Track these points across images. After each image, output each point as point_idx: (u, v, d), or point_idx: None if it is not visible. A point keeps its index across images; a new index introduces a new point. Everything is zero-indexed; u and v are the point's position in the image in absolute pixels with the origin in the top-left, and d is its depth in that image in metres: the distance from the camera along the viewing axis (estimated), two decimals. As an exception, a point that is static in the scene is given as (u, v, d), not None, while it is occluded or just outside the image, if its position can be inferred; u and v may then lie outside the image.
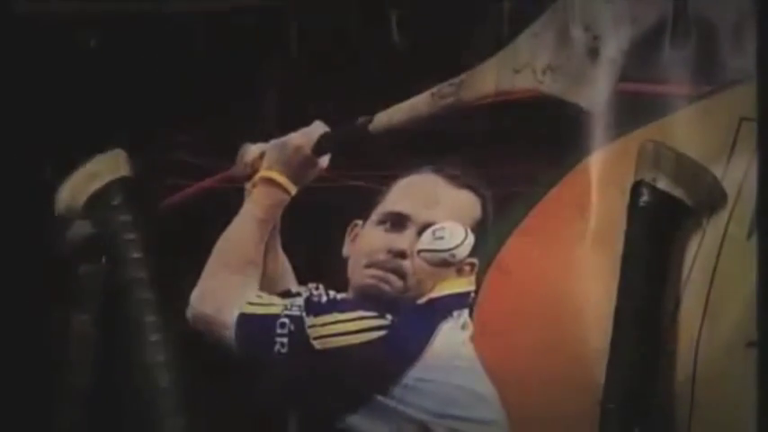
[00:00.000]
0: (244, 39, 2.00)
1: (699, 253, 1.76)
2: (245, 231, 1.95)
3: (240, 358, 1.93)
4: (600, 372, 1.73)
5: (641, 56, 1.83)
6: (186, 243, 1.98)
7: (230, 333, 1.88)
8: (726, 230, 1.75)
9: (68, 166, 2.01)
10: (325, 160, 1.95)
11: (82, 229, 2.00)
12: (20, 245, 2.05)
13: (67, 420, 1.93)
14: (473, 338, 1.84)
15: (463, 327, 1.84)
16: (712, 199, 1.77)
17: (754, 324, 1.81)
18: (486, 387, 1.82)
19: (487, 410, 1.82)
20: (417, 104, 1.91)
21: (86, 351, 1.94)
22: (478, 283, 1.87)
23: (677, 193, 1.74)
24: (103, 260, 1.97)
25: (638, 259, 1.78)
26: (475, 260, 1.85)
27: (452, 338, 1.85)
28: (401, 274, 1.86)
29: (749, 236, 1.76)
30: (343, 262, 1.92)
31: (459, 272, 1.86)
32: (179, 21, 2.02)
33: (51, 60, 2.07)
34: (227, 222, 1.97)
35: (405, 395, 1.84)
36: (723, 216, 1.76)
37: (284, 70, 1.99)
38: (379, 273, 1.87)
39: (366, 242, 1.89)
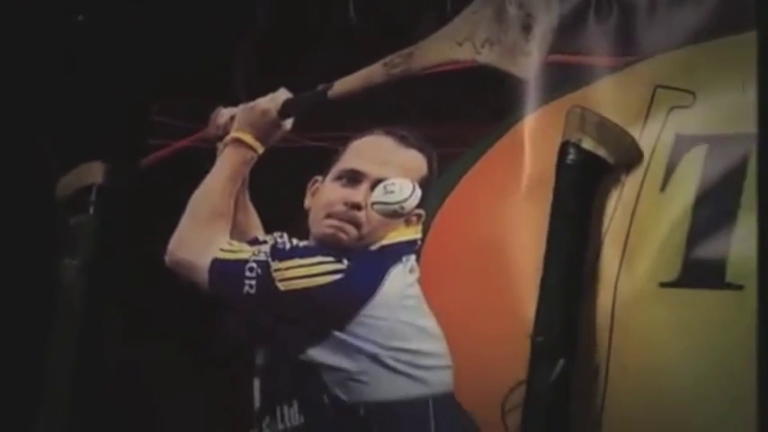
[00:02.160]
0: (218, 15, 2.02)
1: (618, 205, 1.80)
2: (217, 186, 1.96)
3: (212, 298, 1.94)
4: (531, 309, 1.76)
5: (568, 31, 1.87)
6: (165, 196, 1.99)
7: (204, 276, 1.89)
8: (642, 185, 1.78)
9: (70, 138, 2.05)
10: (288, 123, 1.97)
11: (71, 187, 2.04)
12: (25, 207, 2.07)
13: (61, 353, 1.96)
14: (419, 280, 1.86)
15: (411, 270, 1.86)
16: (630, 157, 1.80)
17: (666, 266, 1.80)
18: (429, 323, 1.85)
19: (430, 343, 1.85)
20: (371, 73, 1.92)
21: (75, 292, 1.96)
22: (425, 231, 1.88)
23: (600, 152, 1.77)
24: (90, 212, 2.01)
25: (564, 211, 1.80)
26: (421, 211, 1.87)
27: (401, 281, 1.87)
28: (356, 224, 1.87)
29: (662, 189, 1.79)
30: (305, 213, 1.92)
31: (408, 222, 1.89)
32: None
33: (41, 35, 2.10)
34: (202, 178, 1.97)
35: (358, 330, 1.86)
36: (639, 172, 1.79)
37: (254, 43, 2.01)
38: (337, 223, 1.88)
39: (325, 196, 1.90)
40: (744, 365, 1.76)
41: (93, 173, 2.03)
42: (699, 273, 1.77)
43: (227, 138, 1.97)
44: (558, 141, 1.80)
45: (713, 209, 1.77)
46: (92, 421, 1.98)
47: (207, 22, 2.06)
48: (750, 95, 1.81)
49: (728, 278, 1.75)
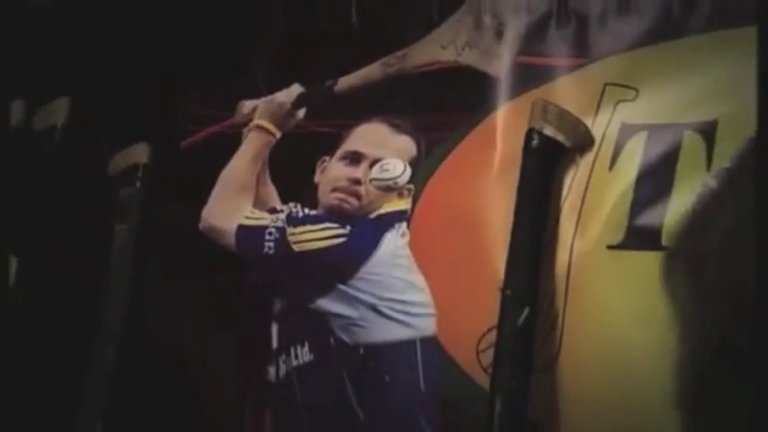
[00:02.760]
0: (242, 20, 2.02)
1: (573, 181, 1.79)
2: (242, 165, 1.98)
3: (238, 258, 1.96)
4: (501, 268, 1.75)
5: (534, 37, 1.85)
6: (198, 173, 1.98)
7: (231, 240, 1.92)
8: (593, 165, 1.78)
9: (121, 124, 2.03)
10: (301, 112, 1.98)
11: (121, 165, 2.02)
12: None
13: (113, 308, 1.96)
14: (409, 243, 1.89)
15: (402, 235, 1.89)
16: (584, 142, 1.80)
17: (613, 232, 1.79)
18: (417, 278, 1.87)
19: (418, 295, 1.87)
20: (370, 72, 1.94)
21: (125, 252, 1.96)
22: (414, 202, 1.90)
23: (559, 137, 1.77)
24: (137, 186, 2.00)
25: (529, 186, 1.79)
26: (411, 186, 1.89)
27: (394, 243, 1.91)
28: (357, 197, 1.90)
29: (610, 168, 1.78)
30: (315, 187, 1.95)
31: (400, 195, 1.91)
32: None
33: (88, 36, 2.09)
34: (229, 158, 1.98)
35: (359, 284, 1.89)
36: (591, 154, 1.78)
37: (272, 45, 2.01)
38: (341, 195, 1.91)
39: (331, 173, 1.93)
40: (673, 315, 1.74)
41: (140, 153, 2.04)
42: (639, 237, 1.75)
43: (251, 125, 1.99)
44: (524, 128, 1.79)
45: (651, 184, 1.75)
46: (137, 357, 1.98)
47: (234, 29, 2.05)
48: (683, 92, 1.78)
49: (663, 242, 1.72)
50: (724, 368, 1.76)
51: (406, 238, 1.90)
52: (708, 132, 1.74)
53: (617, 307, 1.77)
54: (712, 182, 1.77)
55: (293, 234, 1.92)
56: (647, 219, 1.74)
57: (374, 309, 1.88)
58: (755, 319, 1.55)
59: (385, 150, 1.92)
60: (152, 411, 1.97)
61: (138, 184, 1.99)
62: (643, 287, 1.75)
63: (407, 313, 1.87)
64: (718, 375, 0.55)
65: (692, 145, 1.76)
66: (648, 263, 1.75)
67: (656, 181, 1.76)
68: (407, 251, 1.90)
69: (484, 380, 1.77)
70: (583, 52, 1.83)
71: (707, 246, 0.52)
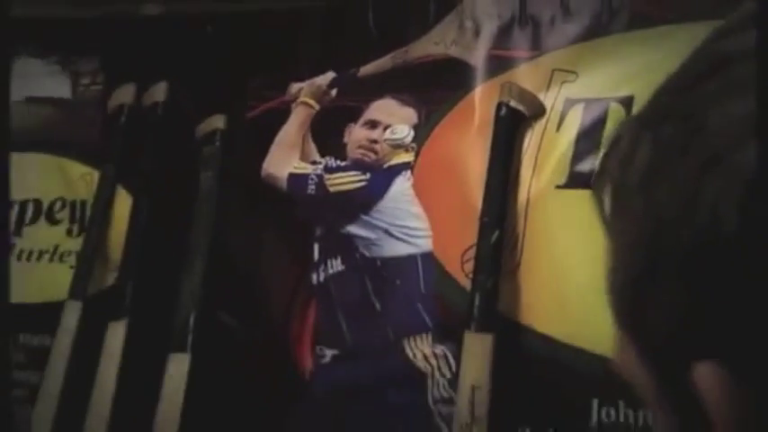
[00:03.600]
0: (291, 26, 2.04)
1: (531, 139, 1.83)
2: (292, 129, 2.00)
3: (288, 196, 2.00)
4: (479, 202, 1.80)
5: (502, 35, 1.87)
6: (260, 136, 2.02)
7: (284, 183, 1.96)
8: (545, 127, 1.81)
9: (208, 100, 2.06)
10: (334, 91, 2.00)
11: (206, 130, 2.03)
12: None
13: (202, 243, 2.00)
14: (412, 185, 1.92)
15: (407, 179, 1.92)
16: (539, 112, 1.82)
17: (559, 175, 1.83)
18: (418, 210, 1.91)
19: (418, 222, 1.90)
20: (384, 62, 1.97)
21: (210, 195, 1.98)
22: (416, 156, 1.93)
23: (520, 108, 1.80)
24: (217, 145, 2.01)
25: (499, 144, 1.81)
26: (414, 144, 1.92)
27: (401, 185, 1.94)
28: (375, 152, 1.95)
29: (557, 129, 1.82)
30: (344, 145, 1.99)
31: (406, 150, 1.94)
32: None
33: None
34: (282, 125, 2.01)
35: (376, 215, 1.94)
36: (544, 120, 1.81)
37: (314, 45, 2.05)
38: (363, 151, 1.96)
39: (356, 135, 1.97)
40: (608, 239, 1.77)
41: (218, 121, 2.05)
42: (578, 179, 1.77)
43: (298, 101, 2.01)
44: (495, 102, 1.82)
45: (586, 141, 1.78)
46: (219, 267, 2.01)
47: (285, 33, 2.08)
48: (609, 75, 1.81)
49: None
50: (648, 288, 1.77)
51: (411, 182, 1.93)
52: (626, 104, 1.77)
53: (561, 230, 1.80)
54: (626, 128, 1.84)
55: (329, 179, 1.97)
56: (584, 166, 1.78)
57: (387, 232, 1.91)
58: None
59: (394, 118, 1.95)
60: (232, 309, 2.00)
61: (217, 144, 2.01)
62: (581, 216, 1.71)
63: (411, 235, 1.91)
64: (642, 294, 0.54)
65: (616, 113, 1.78)
66: (585, 199, 1.79)
67: (589, 138, 1.79)
68: (411, 191, 1.93)
69: (466, 282, 1.80)
70: (537, 47, 1.87)
71: (629, 178, 0.51)
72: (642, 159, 0.46)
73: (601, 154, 1.69)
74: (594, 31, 1.83)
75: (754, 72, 0.40)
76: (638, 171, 0.46)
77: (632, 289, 0.46)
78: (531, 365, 1.75)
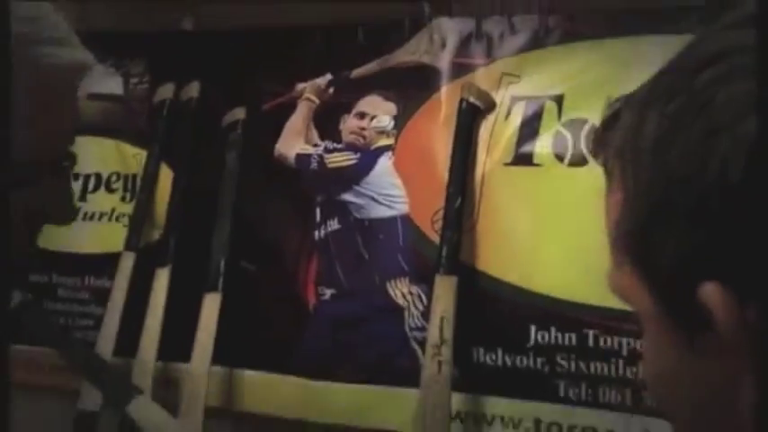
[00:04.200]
0: (298, 37, 2.04)
1: (485, 128, 1.83)
2: (299, 119, 1.99)
3: (296, 171, 2.00)
4: (446, 175, 1.81)
5: (463, 46, 1.88)
6: (272, 125, 2.03)
7: (293, 162, 1.97)
8: (496, 119, 1.83)
9: (232, 96, 2.06)
10: (331, 89, 1.99)
11: (229, 120, 2.05)
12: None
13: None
14: (393, 163, 1.92)
15: (389, 158, 1.92)
16: (491, 106, 1.84)
17: (507, 154, 1.84)
18: (398, 181, 1.90)
19: (398, 190, 1.90)
20: (371, 66, 1.96)
21: (233, 171, 1.99)
22: (396, 140, 1.93)
23: (477, 103, 1.81)
24: (239, 131, 2.02)
25: (461, 132, 1.82)
26: (395, 131, 1.92)
27: (385, 162, 1.92)
28: (363, 137, 1.95)
29: (505, 119, 1.83)
30: (339, 132, 1.98)
31: (388, 136, 1.92)
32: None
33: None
34: (290, 116, 2.01)
35: (365, 185, 1.92)
36: (495, 113, 1.83)
37: (317, 52, 2.02)
38: (354, 136, 1.95)
39: (348, 123, 1.96)
40: (543, 218, 1.79)
41: (239, 113, 2.02)
42: (521, 159, 1.81)
43: (303, 96, 2.00)
44: (457, 98, 1.84)
45: (528, 128, 1.80)
46: (240, 227, 2.00)
47: (293, 42, 2.06)
48: (545, 78, 1.82)
49: (535, 160, 1.80)
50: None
51: (392, 160, 1.92)
52: (558, 100, 1.78)
53: (508, 197, 1.82)
54: (566, 132, 1.80)
55: (327, 158, 1.97)
56: (525, 148, 1.80)
57: (374, 199, 1.92)
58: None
59: (379, 111, 1.94)
60: (252, 258, 2.01)
61: (239, 131, 1.99)
62: (523, 186, 1.81)
63: (392, 201, 1.91)
64: (652, 233, 0.49)
65: (550, 108, 1.80)
66: (525, 173, 1.81)
67: (530, 127, 1.81)
68: (392, 167, 1.92)
69: (435, 238, 1.81)
70: (490, 56, 1.86)
71: (639, 145, 0.47)
72: (650, 130, 0.45)
73: (540, 140, 1.71)
74: (534, 44, 1.83)
75: (753, 59, 0.41)
76: (647, 139, 0.45)
77: (643, 229, 0.46)
78: (484, 300, 1.77)
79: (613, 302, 1.56)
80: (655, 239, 0.45)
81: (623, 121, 0.48)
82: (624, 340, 1.69)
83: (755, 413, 0.42)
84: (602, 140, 0.51)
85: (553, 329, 1.73)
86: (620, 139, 0.48)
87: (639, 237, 0.46)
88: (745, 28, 0.42)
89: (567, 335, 1.72)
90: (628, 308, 1.47)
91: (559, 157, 1.78)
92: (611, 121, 0.50)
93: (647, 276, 0.47)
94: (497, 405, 1.75)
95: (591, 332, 1.71)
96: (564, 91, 1.78)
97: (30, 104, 0.68)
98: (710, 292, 0.41)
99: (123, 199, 2.06)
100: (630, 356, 1.67)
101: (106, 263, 2.01)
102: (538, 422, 1.72)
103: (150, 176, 2.04)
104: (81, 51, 0.72)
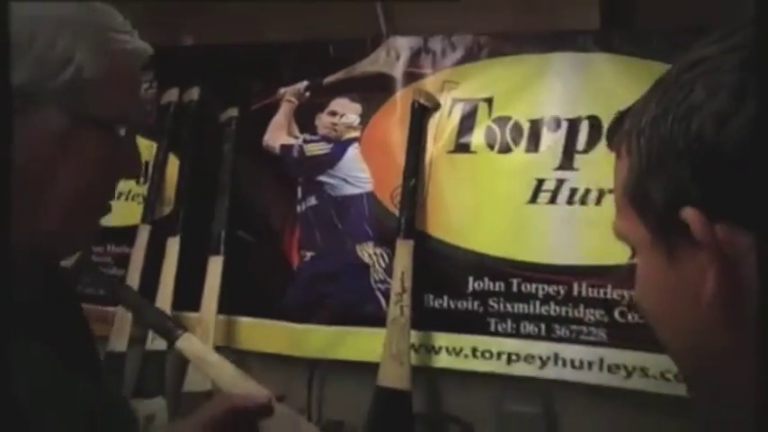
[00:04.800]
0: (283, 54, 1.99)
1: (432, 123, 1.83)
2: (281, 117, 1.97)
3: (280, 158, 1.97)
4: (402, 161, 1.81)
5: (414, 59, 1.86)
6: (260, 121, 1.99)
7: (277, 151, 1.95)
8: (440, 116, 1.83)
9: (225, 98, 2.03)
10: (308, 93, 1.96)
11: (224, 117, 2.02)
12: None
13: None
14: (360, 151, 1.90)
15: (356, 147, 1.90)
16: (437, 106, 1.82)
17: (449, 144, 1.82)
18: (365, 165, 1.89)
19: (364, 173, 1.89)
20: (340, 75, 1.94)
21: (229, 155, 1.97)
22: (362, 133, 1.91)
23: (426, 104, 1.81)
24: (233, 126, 1.98)
25: (413, 126, 1.81)
26: (360, 126, 1.90)
27: (352, 151, 1.91)
28: (335, 131, 1.93)
29: (448, 116, 1.83)
30: (315, 126, 1.95)
31: (355, 130, 1.91)
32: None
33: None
34: (274, 115, 1.99)
35: (337, 170, 1.91)
36: (440, 112, 1.83)
37: (296, 64, 1.99)
38: (327, 130, 1.93)
39: (323, 120, 1.94)
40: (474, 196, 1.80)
41: (233, 111, 1.99)
42: (460, 147, 1.82)
43: (284, 99, 1.98)
44: (410, 100, 1.84)
45: (465, 123, 1.81)
46: (234, 203, 1.97)
47: (277, 57, 2.02)
48: (477, 85, 1.81)
49: (471, 149, 1.80)
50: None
51: (358, 149, 1.90)
52: (489, 102, 1.79)
53: (450, 178, 1.83)
54: (494, 125, 1.80)
55: (306, 148, 1.95)
56: (464, 139, 1.82)
57: (345, 180, 1.90)
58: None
59: (347, 110, 1.91)
60: (247, 228, 1.98)
61: (233, 126, 1.96)
62: (461, 168, 1.82)
63: (360, 182, 1.89)
64: (650, 180, 0.48)
65: (482, 108, 1.80)
66: (464, 159, 1.82)
67: (467, 123, 1.82)
68: (359, 155, 1.90)
69: (395, 210, 1.83)
70: (435, 67, 1.86)
71: (643, 121, 0.46)
72: (649, 114, 0.48)
73: (475, 132, 1.69)
74: (469, 58, 1.82)
75: (721, 63, 0.44)
76: (647, 119, 0.48)
77: (642, 179, 0.49)
78: (434, 258, 1.79)
79: (532, 258, 1.69)
80: (650, 184, 0.48)
81: (630, 113, 0.52)
82: (540, 286, 1.74)
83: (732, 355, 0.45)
84: (612, 136, 0.54)
85: (486, 279, 1.76)
86: (628, 125, 0.51)
87: (639, 186, 0.49)
88: (720, 42, 0.46)
89: (496, 283, 1.75)
90: (543, 262, 1.56)
91: (490, 146, 1.79)
92: (616, 124, 0.54)
93: (643, 213, 0.49)
94: (444, 338, 1.78)
95: (515, 280, 1.75)
96: (493, 94, 1.79)
97: (104, 82, 0.66)
98: (689, 212, 0.45)
99: (138, 182, 2.02)
100: (545, 298, 1.72)
101: (125, 234, 1.99)
102: (474, 350, 1.76)
103: (160, 163, 2.02)
104: (142, 42, 0.71)
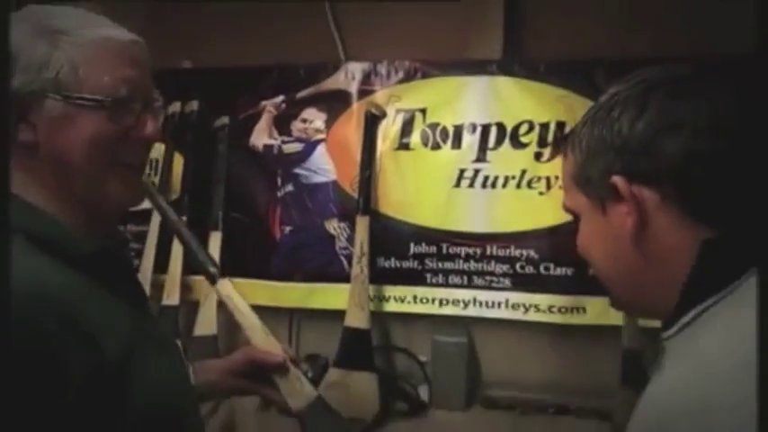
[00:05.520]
0: (259, 73, 1.92)
1: (380, 128, 1.83)
2: (263, 123, 1.92)
3: (263, 155, 1.93)
4: (358, 156, 1.80)
5: (366, 79, 1.86)
6: (246, 127, 1.95)
7: (260, 149, 1.91)
8: (387, 123, 1.83)
9: (218, 109, 1.97)
10: (284, 105, 1.91)
11: (218, 124, 1.96)
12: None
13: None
14: (326, 149, 1.90)
15: (323, 146, 1.88)
16: (384, 115, 1.84)
17: (396, 141, 1.82)
18: (329, 161, 1.88)
19: (330, 166, 1.87)
20: (309, 90, 1.90)
21: (223, 153, 1.90)
22: (327, 135, 1.89)
23: (377, 113, 1.82)
24: (226, 132, 1.93)
25: (366, 130, 1.82)
26: (326, 130, 1.88)
27: (320, 149, 1.88)
28: (306, 134, 1.89)
29: (392, 124, 1.82)
30: (290, 130, 1.92)
31: (322, 133, 1.88)
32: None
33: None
34: (257, 122, 1.94)
35: (308, 163, 1.88)
36: (386, 120, 1.84)
37: (275, 82, 1.92)
38: (299, 133, 1.90)
39: (296, 125, 1.90)
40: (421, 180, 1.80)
41: (224, 120, 1.92)
42: (403, 145, 1.83)
43: (265, 109, 1.93)
44: (364, 110, 1.84)
45: (405, 128, 1.82)
46: (229, 194, 1.89)
47: (261, 78, 1.93)
48: (415, 100, 1.78)
49: (410, 147, 1.81)
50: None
51: (325, 148, 1.89)
52: (423, 112, 1.81)
53: (395, 169, 1.83)
54: (427, 129, 1.81)
55: (284, 147, 1.91)
56: (405, 140, 1.82)
57: (315, 171, 1.89)
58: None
59: (315, 117, 1.89)
60: (238, 209, 1.93)
61: (225, 131, 1.91)
62: (404, 162, 1.82)
63: (326, 172, 1.88)
64: (592, 165, 0.57)
65: (418, 116, 1.81)
66: (405, 155, 1.81)
67: (407, 127, 1.82)
68: (326, 152, 1.89)
69: (354, 194, 1.82)
70: (382, 85, 1.86)
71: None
72: (587, 124, 0.53)
73: (413, 135, 1.77)
74: (407, 78, 1.82)
75: (629, 94, 0.51)
76: (586, 128, 0.53)
77: (584, 165, 0.54)
78: (384, 229, 1.81)
79: (457, 228, 1.86)
80: (590, 168, 0.54)
81: (572, 132, 0.58)
82: (462, 248, 1.80)
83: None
84: (559, 147, 0.60)
85: (423, 244, 1.80)
86: (571, 137, 0.58)
87: (582, 171, 0.55)
88: (627, 83, 0.53)
89: (430, 247, 1.79)
90: (465, 231, 1.74)
91: (425, 145, 1.82)
92: (560, 140, 0.61)
93: (585, 188, 0.55)
94: (392, 290, 1.82)
95: (444, 245, 1.80)
96: (426, 106, 1.81)
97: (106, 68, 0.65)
98: (616, 178, 0.52)
99: (149, 175, 1.98)
100: (466, 257, 1.80)
101: (142, 215, 1.93)
102: (414, 297, 1.82)
103: (168, 160, 2.00)
104: (113, 30, 0.67)
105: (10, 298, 0.51)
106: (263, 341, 1.03)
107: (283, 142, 1.93)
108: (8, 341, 0.51)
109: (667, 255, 0.49)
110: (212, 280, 1.21)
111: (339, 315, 1.71)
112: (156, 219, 1.95)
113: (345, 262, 1.83)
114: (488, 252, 1.74)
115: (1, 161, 0.56)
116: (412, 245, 1.80)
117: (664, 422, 0.44)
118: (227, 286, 1.16)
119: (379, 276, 1.80)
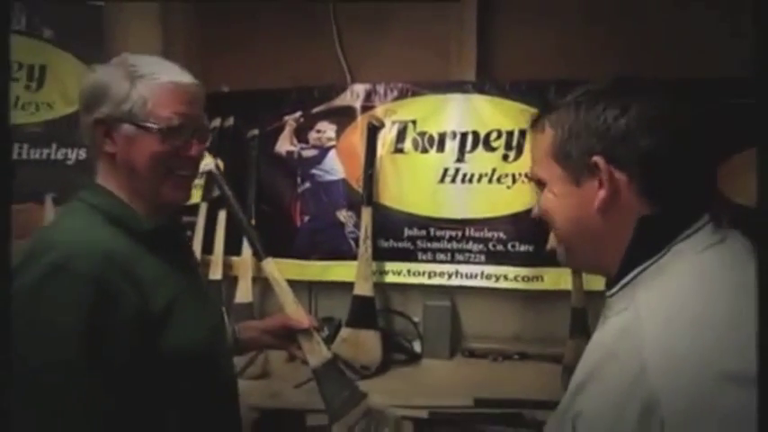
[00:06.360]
0: (281, 95, 1.87)
1: (379, 137, 1.79)
2: (286, 133, 1.87)
3: (287, 158, 1.90)
4: (362, 159, 1.77)
5: (368, 97, 1.82)
6: (272, 137, 1.89)
7: (284, 155, 1.84)
8: (386, 132, 1.78)
9: (250, 124, 1.91)
10: (302, 119, 1.86)
11: (250, 134, 1.91)
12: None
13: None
14: (337, 154, 1.85)
15: (335, 152, 1.84)
16: (383, 126, 1.80)
17: (393, 145, 1.78)
18: (339, 164, 1.84)
19: (339, 167, 1.85)
20: (322, 107, 1.85)
21: (253, 157, 1.84)
22: (337, 143, 1.86)
23: (377, 124, 1.77)
24: (255, 142, 1.91)
25: (369, 139, 1.79)
26: (337, 139, 1.84)
27: (332, 154, 1.84)
28: (321, 142, 1.85)
29: (389, 133, 1.79)
30: (308, 139, 1.86)
31: (333, 141, 1.83)
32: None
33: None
34: (281, 134, 1.89)
35: (322, 165, 1.83)
36: (384, 129, 1.80)
37: (294, 101, 1.85)
38: (315, 141, 1.85)
39: (312, 135, 1.84)
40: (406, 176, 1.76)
41: (255, 131, 1.87)
42: (398, 150, 1.82)
43: (287, 123, 1.88)
44: (367, 122, 1.80)
45: (400, 135, 1.80)
46: (257, 191, 1.83)
47: (281, 101, 1.88)
48: (409, 115, 1.74)
49: (404, 151, 1.81)
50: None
51: (336, 153, 1.85)
52: (414, 122, 1.75)
53: (392, 168, 1.80)
54: (417, 136, 1.75)
55: (302, 153, 1.87)
56: (399, 145, 1.79)
57: (327, 172, 1.85)
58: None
59: (328, 129, 1.84)
60: (267, 201, 1.88)
61: (256, 141, 1.87)
62: (399, 164, 1.79)
63: (337, 172, 1.85)
64: (574, 145, 0.52)
65: (410, 126, 1.78)
66: (400, 157, 1.79)
67: (401, 135, 1.79)
68: (336, 156, 1.85)
69: (359, 189, 1.79)
70: (381, 102, 1.82)
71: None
72: (571, 109, 0.51)
73: (406, 140, 1.74)
74: (401, 96, 1.79)
75: (608, 93, 0.50)
76: (570, 111, 0.50)
77: (564, 143, 0.51)
78: (384, 217, 1.79)
79: (441, 215, 1.85)
80: (570, 146, 0.52)
81: (557, 109, 0.53)
82: (446, 231, 1.81)
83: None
84: (535, 124, 0.56)
85: (415, 228, 1.80)
86: (549, 116, 0.53)
87: (562, 147, 0.52)
88: (604, 85, 0.52)
89: (420, 230, 1.80)
90: (448, 217, 1.70)
91: (415, 149, 1.80)
92: (535, 120, 0.56)
93: (562, 162, 0.52)
94: (391, 265, 1.82)
95: (432, 229, 1.81)
96: (416, 118, 1.79)
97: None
98: (597, 158, 0.50)
99: (198, 177, 1.93)
100: (449, 239, 1.79)
101: (191, 208, 1.89)
102: (408, 271, 1.82)
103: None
104: (178, 75, 0.74)
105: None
106: (294, 310, 1.09)
107: (302, 149, 1.90)
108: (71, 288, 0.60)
109: (622, 225, 0.49)
110: (259, 258, 1.21)
111: (348, 286, 1.72)
112: (203, 211, 1.95)
113: (353, 243, 1.82)
114: (467, 234, 1.75)
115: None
116: (406, 229, 1.80)
117: (605, 360, 0.45)
118: (270, 264, 1.17)
119: (380, 254, 1.80)
